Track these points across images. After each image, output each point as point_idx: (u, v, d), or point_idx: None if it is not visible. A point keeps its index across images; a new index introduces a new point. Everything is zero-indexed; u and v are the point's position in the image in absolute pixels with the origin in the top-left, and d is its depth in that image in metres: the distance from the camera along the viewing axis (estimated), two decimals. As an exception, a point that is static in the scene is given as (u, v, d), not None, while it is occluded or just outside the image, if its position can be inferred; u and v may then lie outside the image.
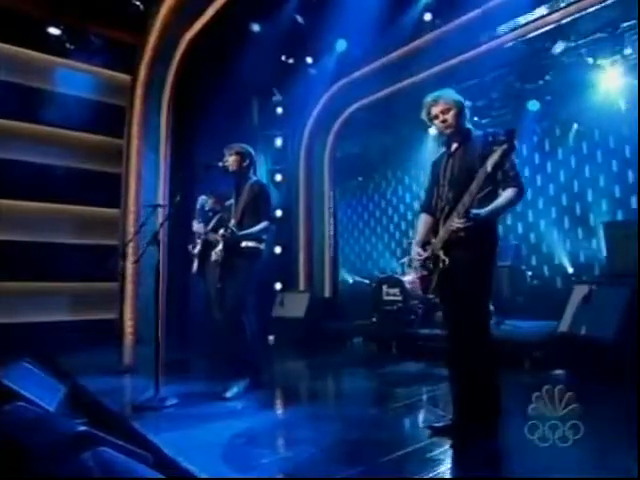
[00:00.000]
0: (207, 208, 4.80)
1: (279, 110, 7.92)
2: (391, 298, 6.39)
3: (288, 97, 7.65)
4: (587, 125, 7.31)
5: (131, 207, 6.49)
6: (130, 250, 6.21)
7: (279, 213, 7.75)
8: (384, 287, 6.50)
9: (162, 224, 4.14)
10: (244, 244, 3.60)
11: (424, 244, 2.92)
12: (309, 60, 7.14)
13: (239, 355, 3.65)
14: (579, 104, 6.98)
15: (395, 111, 7.34)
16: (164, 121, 6.81)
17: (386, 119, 7.67)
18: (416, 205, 9.66)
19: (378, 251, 10.46)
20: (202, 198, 4.67)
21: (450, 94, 2.87)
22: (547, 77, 6.51)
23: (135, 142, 6.53)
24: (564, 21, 5.66)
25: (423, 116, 2.93)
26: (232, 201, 3.87)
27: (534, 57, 6.12)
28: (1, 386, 2.58)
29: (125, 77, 6.61)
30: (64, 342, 5.29)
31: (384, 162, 10.11)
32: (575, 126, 7.34)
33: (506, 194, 2.68)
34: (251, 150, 3.81)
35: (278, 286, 7.61)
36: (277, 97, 7.72)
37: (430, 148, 8.94)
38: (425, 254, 2.85)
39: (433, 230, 2.92)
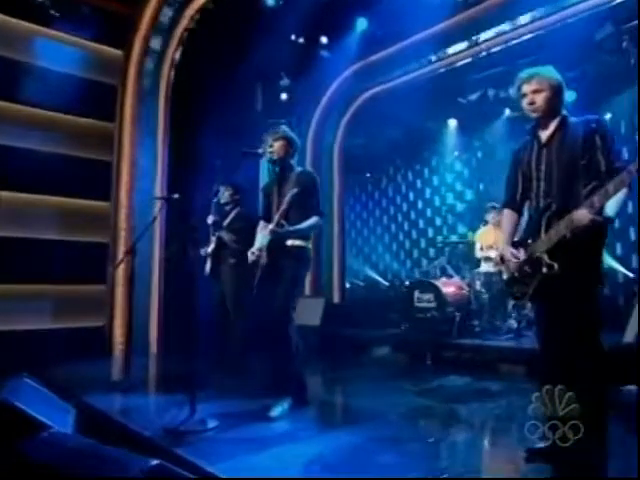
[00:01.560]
0: (223, 201, 4.81)
1: (284, 96, 7.64)
2: (424, 305, 6.21)
3: (296, 81, 7.38)
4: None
5: (123, 200, 6.20)
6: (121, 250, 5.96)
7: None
8: (415, 292, 6.32)
9: (147, 227, 4.30)
10: (290, 242, 3.45)
11: (516, 244, 2.75)
12: (323, 40, 6.86)
13: (283, 369, 3.49)
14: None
15: (414, 101, 7.09)
16: (162, 103, 6.47)
17: (404, 109, 7.38)
18: (437, 201, 9.59)
19: (391, 252, 10.23)
20: (220, 189, 4.71)
21: (547, 73, 2.67)
22: (585, 65, 6.30)
23: (128, 126, 6.24)
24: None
25: (513, 93, 2.79)
26: (272, 196, 3.71)
27: (575, 42, 5.87)
28: (14, 409, 2.34)
29: (117, 52, 6.27)
30: (46, 353, 5.08)
31: (400, 155, 9.94)
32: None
33: (618, 187, 2.43)
34: (295, 135, 3.70)
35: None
36: (285, 81, 7.42)
37: (451, 141, 8.83)
38: (522, 256, 2.67)
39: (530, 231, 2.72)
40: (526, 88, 2.68)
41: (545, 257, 2.54)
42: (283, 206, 3.38)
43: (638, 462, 2.30)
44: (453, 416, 3.63)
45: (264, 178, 7.41)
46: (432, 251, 9.59)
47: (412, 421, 3.52)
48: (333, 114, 7.96)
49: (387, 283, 9.10)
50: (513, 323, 5.95)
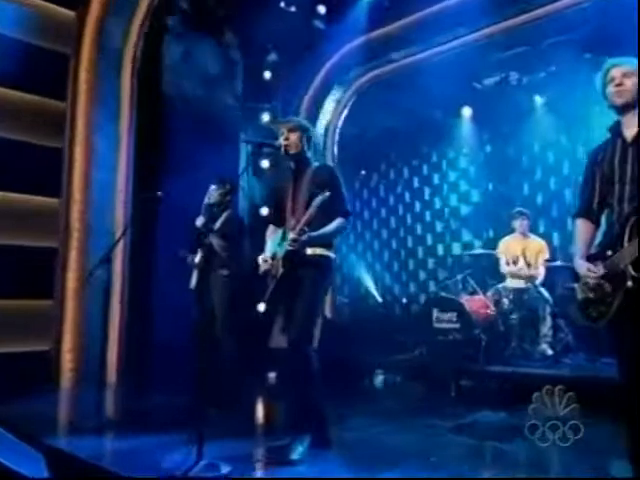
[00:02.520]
0: (212, 201, 4.85)
1: (267, 75, 7.48)
2: (444, 325, 6.14)
3: (283, 58, 7.34)
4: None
5: (77, 195, 6.00)
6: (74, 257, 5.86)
7: (265, 211, 7.20)
8: (434, 311, 6.24)
9: (121, 235, 4.39)
10: (310, 251, 3.48)
11: (593, 258, 2.74)
12: (319, 9, 6.75)
13: (301, 401, 3.49)
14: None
15: (422, 86, 6.96)
16: (126, 79, 6.26)
17: (408, 95, 7.28)
18: (437, 203, 9.49)
19: (383, 262, 10.02)
20: (212, 188, 4.81)
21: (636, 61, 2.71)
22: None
23: (84, 106, 6.05)
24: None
25: (598, 80, 2.80)
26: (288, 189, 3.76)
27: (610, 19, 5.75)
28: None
29: (70, 13, 6.06)
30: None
31: (397, 149, 9.76)
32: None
33: None
34: (312, 127, 3.85)
35: (261, 307, 6.99)
36: (272, 56, 7.30)
37: (464, 135, 8.70)
38: (601, 271, 2.64)
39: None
40: (615, 72, 2.72)
41: (630, 269, 2.50)
42: (310, 211, 3.38)
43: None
44: (507, 458, 3.62)
45: (249, 173, 7.49)
46: (431, 262, 9.50)
47: (462, 464, 3.47)
48: (327, 99, 7.87)
49: (381, 299, 8.84)
50: (546, 348, 5.89)
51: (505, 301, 6.14)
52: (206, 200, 4.83)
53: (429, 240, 9.55)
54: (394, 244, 10.05)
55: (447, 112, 8.26)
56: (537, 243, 6.41)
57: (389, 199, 10.16)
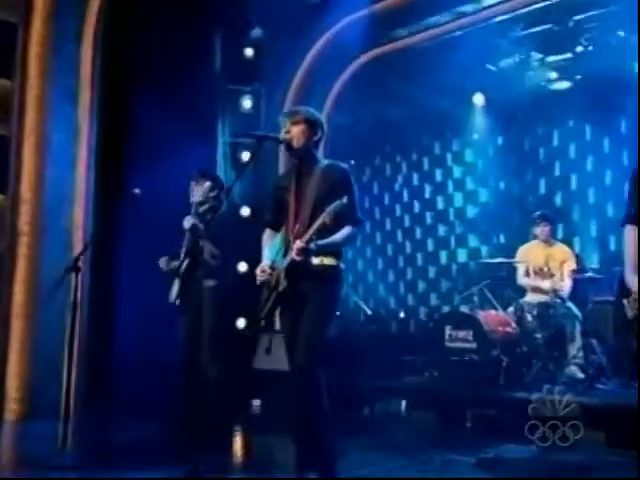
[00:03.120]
0: (195, 199, 4.93)
1: (250, 52, 7.43)
2: (458, 345, 6.20)
3: (269, 33, 7.32)
4: None
5: (25, 193, 5.96)
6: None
7: (246, 212, 7.40)
8: (447, 328, 6.29)
9: (89, 242, 4.67)
10: (317, 261, 3.54)
11: None
12: None
13: (312, 429, 3.55)
14: None
15: (428, 69, 7.06)
16: (86, 54, 6.22)
17: (413, 80, 7.43)
18: (440, 203, 9.60)
19: (376, 270, 10.08)
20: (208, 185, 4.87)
21: None
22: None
23: (35, 85, 6.01)
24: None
25: None
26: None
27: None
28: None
29: None
30: None
31: (395, 141, 9.86)
32: None
33: None
34: (322, 118, 3.85)
35: (241, 323, 7.12)
36: (255, 32, 7.27)
37: (473, 124, 8.79)
38: None
39: None
40: None
41: None
42: (323, 218, 3.42)
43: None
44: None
45: (231, 169, 7.53)
46: (432, 270, 9.59)
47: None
48: (319, 82, 7.83)
49: (369, 312, 8.89)
50: (576, 371, 5.89)
51: (528, 317, 6.17)
52: (192, 199, 4.90)
53: (430, 246, 9.65)
54: (389, 250, 10.10)
55: (455, 99, 8.31)
56: (562, 250, 6.43)
57: (384, 198, 10.22)
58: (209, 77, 7.36)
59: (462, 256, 9.17)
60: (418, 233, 9.83)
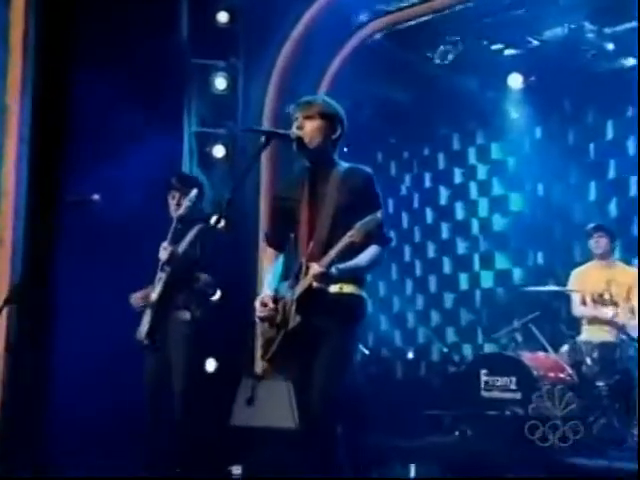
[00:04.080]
0: (175, 213, 5.20)
1: (222, 18, 7.49)
2: (497, 394, 6.26)
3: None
4: None
5: None
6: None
7: (219, 223, 7.48)
8: (482, 373, 6.37)
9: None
10: (335, 289, 3.59)
11: None
12: None
13: None
14: None
15: (450, 42, 7.27)
16: (17, 15, 6.14)
17: (429, 56, 7.58)
18: (460, 212, 9.65)
19: (377, 298, 9.93)
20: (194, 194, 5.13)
21: None
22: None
23: None
24: None
25: None
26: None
27: None
28: None
29: None
30: None
31: (404, 131, 9.89)
32: None
33: None
34: (342, 112, 3.93)
35: (211, 365, 7.26)
36: None
37: (505, 111, 8.87)
38: None
39: None
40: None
41: None
42: (351, 236, 3.42)
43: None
44: None
45: (198, 168, 7.56)
46: (449, 298, 9.62)
47: None
48: (312, 57, 7.86)
49: (367, 351, 8.93)
50: None
51: (587, 361, 6.18)
52: (173, 212, 5.14)
53: (446, 266, 9.67)
54: (394, 271, 10.09)
55: (483, 79, 8.41)
56: (627, 273, 6.45)
57: (387, 204, 10.06)
58: (172, 49, 7.39)
59: (488, 280, 9.19)
60: (431, 250, 9.82)
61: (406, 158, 10.16)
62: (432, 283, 9.77)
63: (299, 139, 3.67)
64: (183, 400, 4.91)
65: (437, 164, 9.87)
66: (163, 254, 5.00)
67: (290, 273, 3.90)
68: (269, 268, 3.93)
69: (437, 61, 8.09)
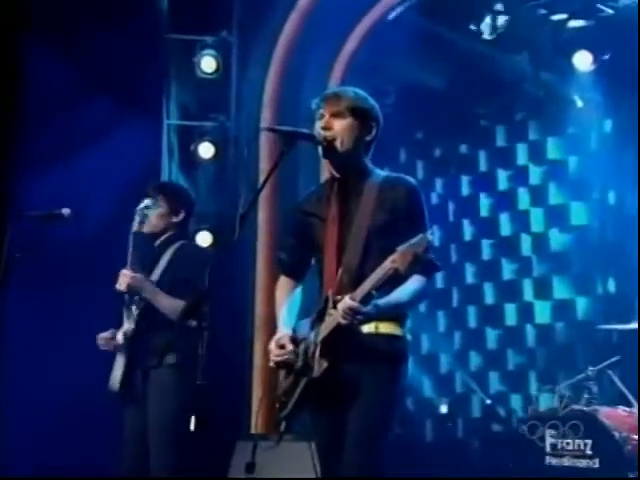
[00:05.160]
0: (148, 229, 5.33)
1: None
2: (568, 462, 6.29)
3: None
4: None
5: None
6: None
7: (206, 239, 7.70)
8: (547, 435, 6.39)
9: None
10: (369, 329, 3.64)
11: None
12: None
13: None
14: None
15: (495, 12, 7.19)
16: None
17: (469, 30, 7.70)
18: (505, 226, 9.66)
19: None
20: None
21: None
22: None
23: None
24: None
25: None
26: None
27: None
28: None
29: None
30: None
31: (438, 126, 9.98)
32: None
33: None
34: (377, 108, 4.02)
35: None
36: None
37: (574, 101, 8.81)
38: None
39: None
40: None
41: None
42: (393, 263, 3.38)
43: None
44: None
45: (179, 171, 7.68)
46: (492, 335, 9.61)
47: None
48: (323, 34, 7.98)
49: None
50: None
51: None
52: (135, 227, 5.16)
53: (488, 295, 9.69)
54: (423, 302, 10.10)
55: (540, 59, 8.43)
56: None
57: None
58: (149, 23, 7.46)
59: (544, 314, 9.18)
60: (469, 274, 9.88)
61: (437, 157, 10.23)
62: (471, 316, 9.80)
63: (326, 141, 3.70)
64: (164, 464, 4.99)
65: (477, 165, 9.90)
66: (122, 283, 5.07)
67: (311, 309, 3.91)
68: (282, 301, 3.98)
69: (481, 35, 8.15)
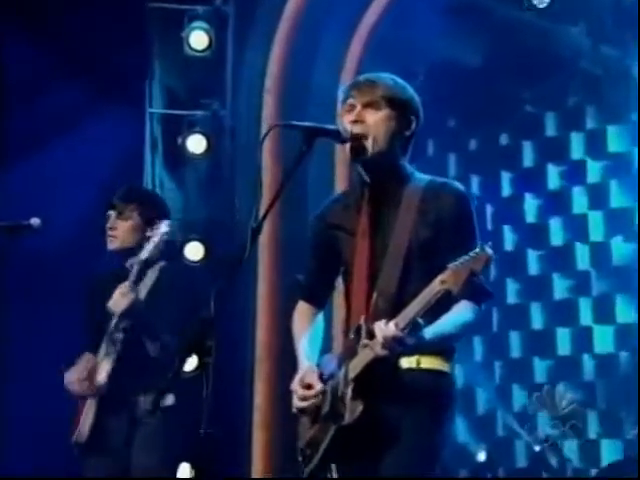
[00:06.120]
0: (115, 246, 5.58)
1: None
2: None
3: None
4: None
5: None
6: None
7: (197, 251, 7.69)
8: None
9: None
10: (409, 362, 3.71)
11: None
12: None
13: None
14: None
15: None
16: None
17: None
18: (557, 234, 9.63)
19: None
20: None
21: None
22: None
23: None
24: None
25: None
26: None
27: None
28: None
29: None
30: None
31: (474, 112, 10.03)
32: None
33: None
34: (417, 98, 4.09)
35: (185, 473, 7.64)
36: None
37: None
38: None
39: None
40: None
41: None
42: (443, 284, 3.42)
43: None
44: None
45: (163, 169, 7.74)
46: (541, 366, 9.61)
47: None
48: (336, 4, 7.95)
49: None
50: None
51: None
52: (114, 247, 5.37)
53: (536, 319, 9.69)
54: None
55: (600, 32, 8.52)
56: None
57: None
58: None
59: (604, 341, 9.18)
60: (512, 293, 9.89)
61: (473, 150, 10.30)
62: (515, 344, 9.78)
63: (356, 138, 3.72)
64: None
65: (521, 159, 9.94)
66: (119, 303, 5.10)
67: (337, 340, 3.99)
68: (303, 332, 4.02)
69: (528, 3, 8.14)
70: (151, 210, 5.47)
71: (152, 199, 5.76)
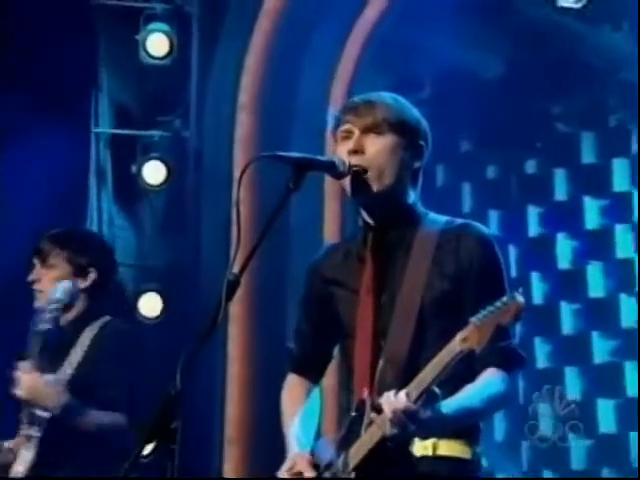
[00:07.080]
0: (45, 301, 5.37)
1: None
2: None
3: None
4: None
5: None
6: None
7: (154, 305, 7.76)
8: None
9: None
10: (423, 448, 3.65)
11: None
12: None
13: None
14: None
15: None
16: None
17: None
18: (598, 282, 9.59)
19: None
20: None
21: None
22: None
23: None
24: None
25: None
26: None
27: None
28: None
29: None
30: None
31: (494, 125, 10.06)
32: None
33: None
34: (425, 122, 4.13)
35: None
36: None
37: None
38: None
39: None
40: None
41: None
42: (460, 345, 3.40)
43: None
44: None
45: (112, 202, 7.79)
46: None
47: None
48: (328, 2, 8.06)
49: None
50: None
51: None
52: (41, 303, 5.22)
53: (571, 387, 9.67)
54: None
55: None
56: None
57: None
58: None
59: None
60: (541, 355, 9.90)
61: (492, 179, 10.39)
62: (545, 418, 9.71)
63: (356, 172, 3.72)
64: None
65: (553, 190, 10.01)
66: (27, 389, 5.03)
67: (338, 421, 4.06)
68: (293, 412, 4.00)
69: (560, 2, 8.27)
70: (83, 256, 5.42)
71: (86, 240, 5.69)
